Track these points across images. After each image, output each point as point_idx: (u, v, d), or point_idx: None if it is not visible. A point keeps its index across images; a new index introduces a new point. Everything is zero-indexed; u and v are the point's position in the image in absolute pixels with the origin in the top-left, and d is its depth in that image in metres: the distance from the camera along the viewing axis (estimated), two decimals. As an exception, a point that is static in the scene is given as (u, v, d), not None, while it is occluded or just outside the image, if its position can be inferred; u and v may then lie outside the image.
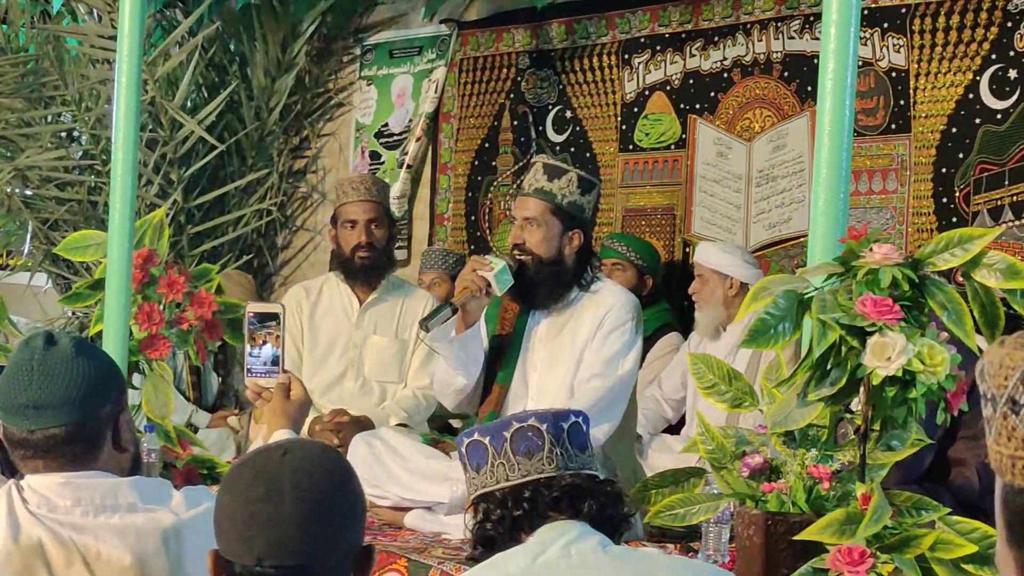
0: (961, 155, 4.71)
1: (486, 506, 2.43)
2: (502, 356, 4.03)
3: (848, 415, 2.39)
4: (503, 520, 2.38)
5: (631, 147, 5.70)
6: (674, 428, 5.02)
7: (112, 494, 2.25)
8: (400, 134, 6.53)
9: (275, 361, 2.79)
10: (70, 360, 2.25)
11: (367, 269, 4.79)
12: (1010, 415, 1.22)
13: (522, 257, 3.92)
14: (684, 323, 5.16)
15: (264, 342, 2.80)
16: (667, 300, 5.29)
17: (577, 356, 3.92)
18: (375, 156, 6.62)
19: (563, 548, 2.25)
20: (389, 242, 4.86)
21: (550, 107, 5.99)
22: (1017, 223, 4.54)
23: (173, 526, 2.25)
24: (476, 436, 2.47)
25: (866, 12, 4.80)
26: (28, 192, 6.44)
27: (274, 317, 2.81)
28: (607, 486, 2.39)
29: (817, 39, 4.91)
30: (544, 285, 3.96)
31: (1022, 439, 1.21)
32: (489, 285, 3.85)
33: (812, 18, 5.09)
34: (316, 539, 1.79)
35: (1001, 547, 1.26)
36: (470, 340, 3.94)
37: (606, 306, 3.93)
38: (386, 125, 6.60)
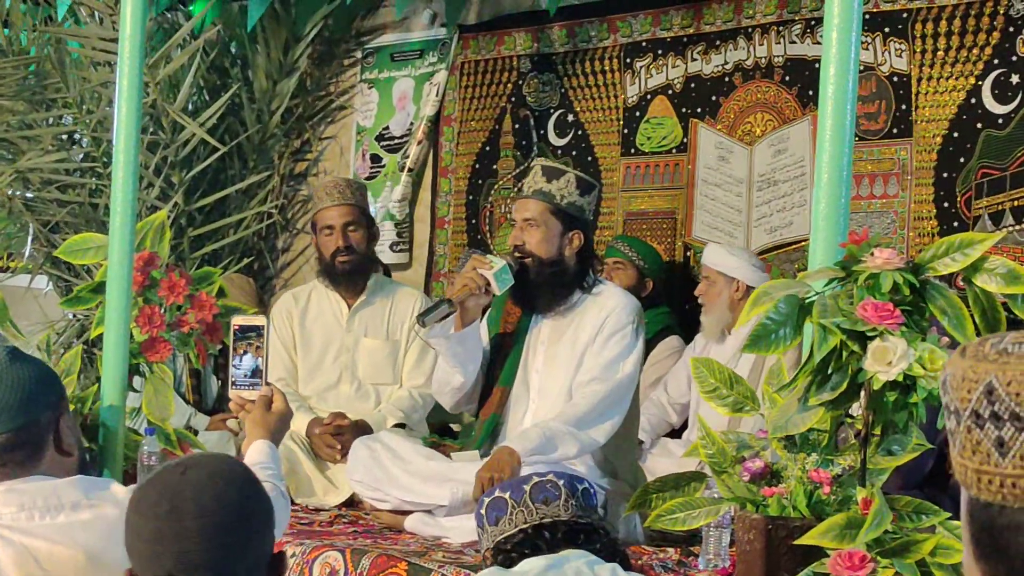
0: (963, 159, 4.70)
1: (505, 546, 2.61)
2: (503, 359, 4.03)
3: (849, 420, 2.39)
4: (523, 543, 2.56)
5: (633, 151, 5.70)
6: (675, 432, 5.02)
7: (55, 495, 2.25)
8: (401, 137, 6.53)
9: (256, 373, 2.79)
10: (5, 367, 2.26)
11: (349, 273, 4.77)
12: (974, 428, 1.20)
13: (523, 259, 3.92)
14: (685, 327, 5.15)
15: (245, 352, 2.80)
16: (667, 303, 5.29)
17: (577, 358, 3.92)
18: (376, 159, 6.61)
19: (587, 563, 2.43)
20: (369, 244, 4.82)
21: (551, 111, 5.98)
22: (1018, 228, 4.54)
23: (119, 517, 2.26)
24: (496, 493, 2.72)
25: (868, 17, 4.80)
26: (29, 194, 6.42)
27: (255, 329, 2.81)
28: (616, 540, 2.70)
29: (818, 43, 4.91)
30: (545, 287, 3.96)
31: (987, 453, 1.19)
32: (489, 284, 3.86)
33: (813, 22, 5.09)
34: (222, 552, 1.84)
35: (967, 560, 1.23)
36: (468, 338, 3.94)
37: (607, 309, 3.93)
38: (387, 128, 6.59)
